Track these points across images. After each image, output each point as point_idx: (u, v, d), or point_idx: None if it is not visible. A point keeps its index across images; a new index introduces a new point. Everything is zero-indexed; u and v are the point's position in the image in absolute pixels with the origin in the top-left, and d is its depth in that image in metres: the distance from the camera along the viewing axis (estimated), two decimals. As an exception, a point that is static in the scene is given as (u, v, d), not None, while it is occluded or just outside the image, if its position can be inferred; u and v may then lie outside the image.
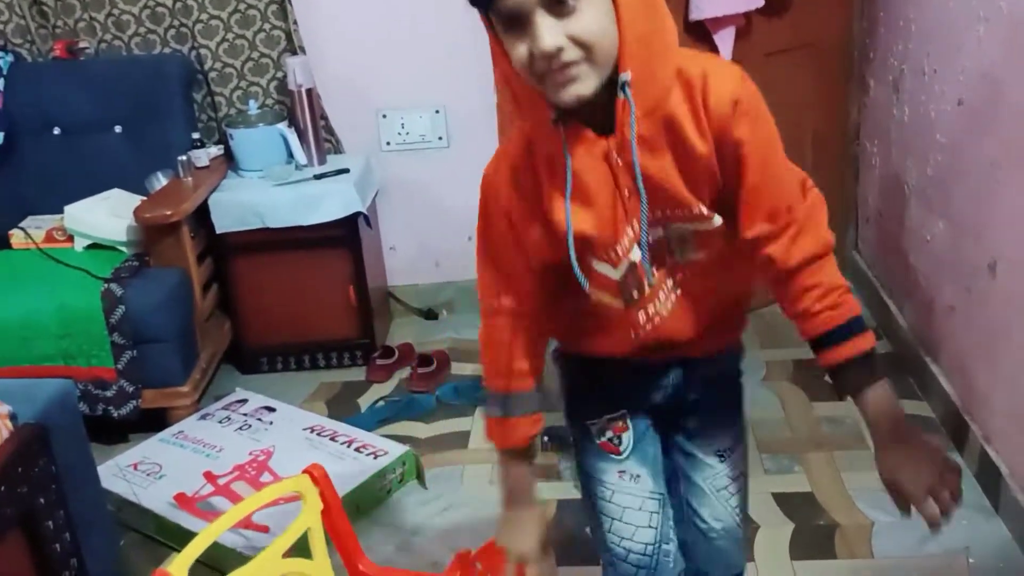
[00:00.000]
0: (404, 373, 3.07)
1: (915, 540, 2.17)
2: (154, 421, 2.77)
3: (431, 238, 3.42)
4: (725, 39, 2.89)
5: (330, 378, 3.12)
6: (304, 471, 1.75)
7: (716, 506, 1.48)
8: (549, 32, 1.06)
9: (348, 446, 2.56)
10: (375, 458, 2.50)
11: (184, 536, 2.21)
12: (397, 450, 2.53)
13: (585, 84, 1.11)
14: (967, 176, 2.38)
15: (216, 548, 2.15)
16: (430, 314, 3.46)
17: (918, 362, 2.72)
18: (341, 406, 2.94)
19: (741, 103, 1.17)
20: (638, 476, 1.43)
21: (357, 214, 2.98)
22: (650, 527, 1.43)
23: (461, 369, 3.09)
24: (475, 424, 2.78)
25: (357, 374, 3.11)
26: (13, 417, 1.70)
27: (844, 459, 2.47)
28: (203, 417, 2.76)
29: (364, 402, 2.96)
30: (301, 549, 1.79)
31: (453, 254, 3.43)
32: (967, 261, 2.37)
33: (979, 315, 2.34)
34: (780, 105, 3.36)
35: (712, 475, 1.48)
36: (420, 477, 2.54)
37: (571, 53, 1.08)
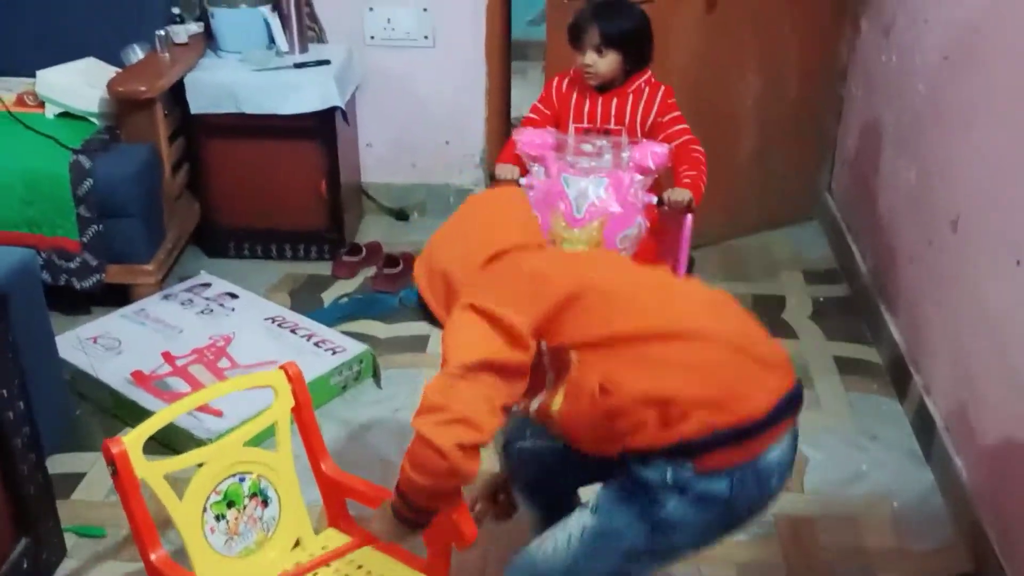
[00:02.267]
0: (370, 272, 3.09)
1: (845, 479, 2.26)
2: (117, 296, 2.78)
3: (409, 138, 3.40)
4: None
5: (296, 269, 3.13)
6: (280, 367, 1.78)
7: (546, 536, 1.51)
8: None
9: (308, 340, 2.59)
10: (333, 354, 2.53)
11: (139, 413, 2.26)
12: (355, 348, 2.57)
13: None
14: (942, 129, 2.39)
15: (168, 427, 2.20)
16: (401, 214, 3.46)
17: (872, 307, 2.78)
18: (304, 298, 2.97)
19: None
20: None
21: (335, 108, 2.94)
22: None
23: (426, 273, 3.12)
24: (434, 329, 2.82)
25: (323, 268, 3.13)
26: (-28, 283, 1.70)
27: (789, 395, 2.54)
28: (166, 297, 2.78)
29: (328, 297, 2.98)
30: (256, 441, 1.83)
31: (430, 155, 3.41)
32: (932, 213, 2.41)
33: (936, 268, 2.38)
34: (770, 34, 3.34)
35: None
36: (376, 376, 2.58)
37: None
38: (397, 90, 3.32)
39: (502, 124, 3.38)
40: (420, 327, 2.82)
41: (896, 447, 2.37)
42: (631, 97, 2.28)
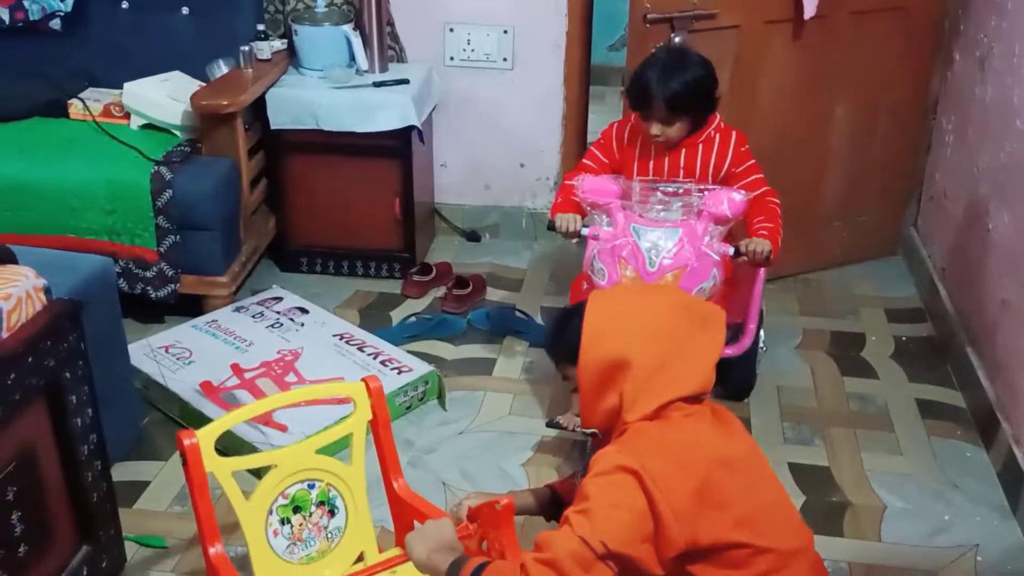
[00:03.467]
0: (439, 292, 3.08)
1: (926, 530, 2.15)
2: (190, 306, 2.81)
3: (484, 160, 3.39)
4: (812, -8, 2.78)
5: (367, 287, 3.13)
6: (362, 379, 1.78)
7: None
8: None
9: (375, 358, 2.58)
10: (399, 373, 2.52)
11: (206, 424, 2.26)
12: (422, 368, 2.55)
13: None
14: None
15: (234, 439, 2.21)
16: (472, 236, 3.45)
17: (958, 350, 2.66)
18: (373, 316, 2.96)
19: None
20: None
21: (411, 128, 2.95)
22: None
23: (496, 295, 3.09)
24: (501, 352, 2.78)
25: (393, 286, 3.12)
26: (47, 291, 1.72)
27: (866, 439, 2.44)
28: (237, 309, 2.80)
29: (396, 315, 2.98)
30: (328, 451, 1.82)
31: (504, 178, 3.39)
32: (1027, 256, 2.29)
33: (1030, 313, 2.27)
34: (861, 68, 3.26)
35: None
36: (441, 397, 2.56)
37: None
38: (474, 112, 3.31)
39: (578, 149, 3.34)
40: (488, 350, 2.79)
41: (981, 499, 2.25)
42: (701, 148, 2.21)
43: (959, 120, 2.92)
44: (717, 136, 2.20)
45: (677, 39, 2.57)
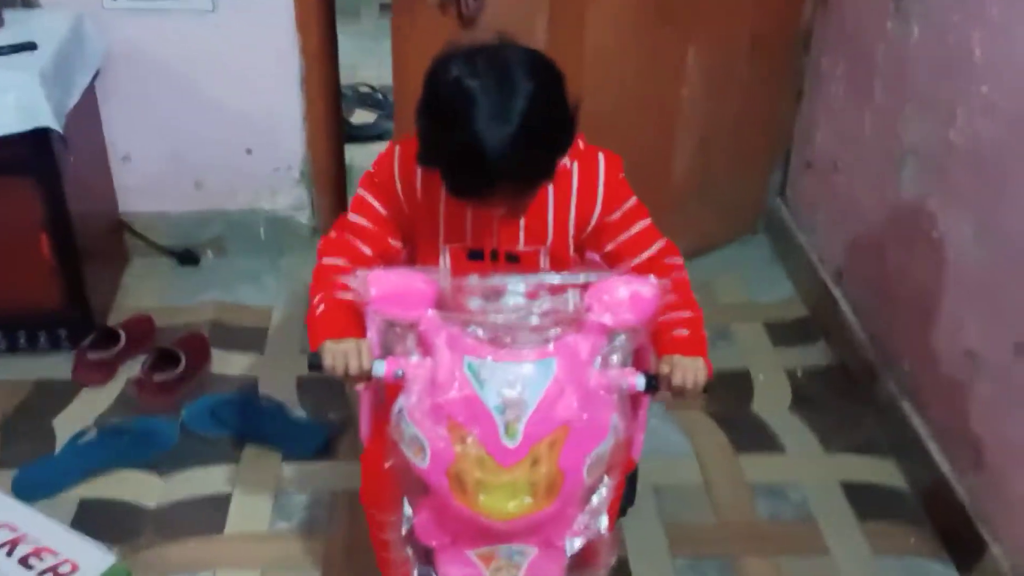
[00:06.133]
0: (134, 369, 2.00)
1: None
2: None
3: (188, 146, 2.28)
4: None
5: (15, 373, 2.00)
6: None
7: None
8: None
9: (8, 554, 1.51)
10: (54, 582, 1.47)
11: None
12: (95, 563, 1.51)
13: None
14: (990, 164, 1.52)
15: None
16: (187, 257, 2.36)
17: (881, 397, 1.94)
18: (24, 436, 1.85)
19: None
20: None
21: (45, 130, 1.80)
22: None
23: (226, 365, 2.05)
24: (238, 481, 1.78)
25: (59, 367, 2.01)
26: None
27: (796, 572, 1.67)
28: None
29: (65, 426, 1.88)
30: None
31: (223, 171, 2.31)
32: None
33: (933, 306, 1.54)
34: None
35: None
36: (137, 602, 1.55)
37: None
38: (163, 77, 2.19)
39: (330, 118, 2.31)
40: (213, 478, 1.78)
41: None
42: (552, 193, 1.27)
43: (852, 65, 2.13)
44: (575, 168, 1.25)
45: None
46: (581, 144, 1.27)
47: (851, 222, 2.14)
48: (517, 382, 1.04)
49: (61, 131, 1.82)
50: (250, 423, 1.88)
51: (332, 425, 1.90)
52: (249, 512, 1.72)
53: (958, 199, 1.72)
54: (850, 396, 2.05)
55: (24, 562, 1.49)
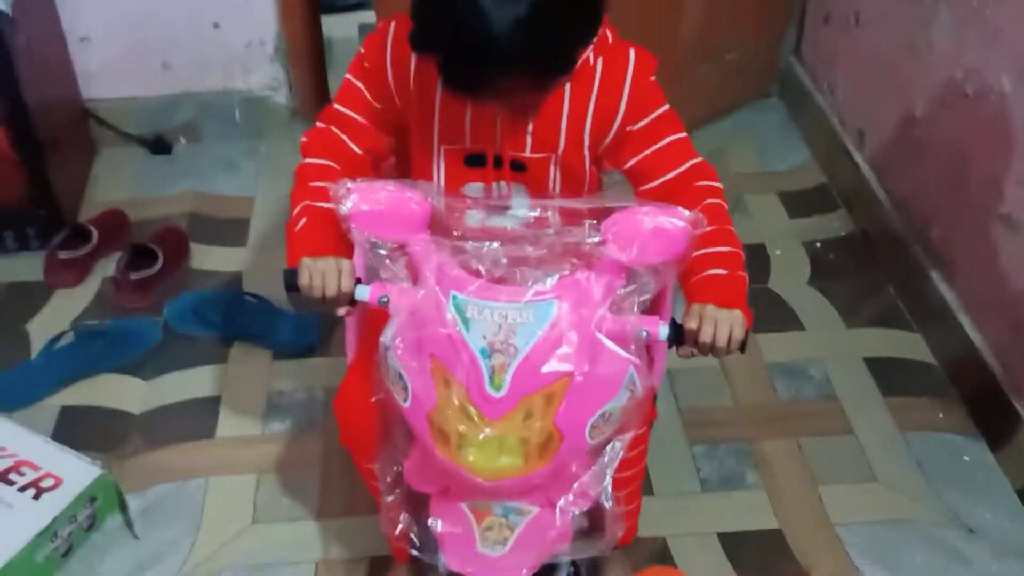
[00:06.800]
0: (109, 267, 1.88)
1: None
2: None
3: (151, 22, 2.09)
4: None
5: (-17, 275, 1.89)
6: None
7: None
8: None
9: (-15, 471, 1.42)
10: (36, 497, 1.39)
11: None
12: (81, 474, 1.42)
13: None
14: None
15: None
16: (159, 145, 2.20)
17: (910, 264, 1.82)
18: (-3, 339, 1.75)
19: None
20: None
21: (-16, 7, 1.63)
22: None
23: (207, 260, 1.93)
24: (227, 384, 1.68)
25: (30, 269, 1.89)
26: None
27: (818, 454, 1.58)
28: None
29: (40, 330, 1.77)
30: None
31: (190, 49, 2.14)
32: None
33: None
34: None
35: None
36: (125, 512, 1.46)
37: None
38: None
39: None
40: (201, 380, 1.68)
41: (1006, 544, 1.47)
42: (567, 92, 1.08)
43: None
44: (599, 63, 1.08)
45: None
46: (610, 36, 1.07)
47: (875, 79, 1.98)
48: (507, 324, 0.91)
49: (9, 11, 1.65)
50: (236, 320, 1.77)
51: (323, 318, 1.79)
52: (240, 414, 1.63)
53: (996, 49, 1.56)
54: (872, 267, 1.94)
55: (3, 477, 1.41)
